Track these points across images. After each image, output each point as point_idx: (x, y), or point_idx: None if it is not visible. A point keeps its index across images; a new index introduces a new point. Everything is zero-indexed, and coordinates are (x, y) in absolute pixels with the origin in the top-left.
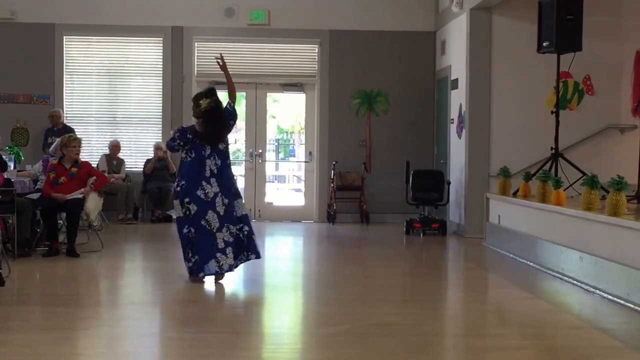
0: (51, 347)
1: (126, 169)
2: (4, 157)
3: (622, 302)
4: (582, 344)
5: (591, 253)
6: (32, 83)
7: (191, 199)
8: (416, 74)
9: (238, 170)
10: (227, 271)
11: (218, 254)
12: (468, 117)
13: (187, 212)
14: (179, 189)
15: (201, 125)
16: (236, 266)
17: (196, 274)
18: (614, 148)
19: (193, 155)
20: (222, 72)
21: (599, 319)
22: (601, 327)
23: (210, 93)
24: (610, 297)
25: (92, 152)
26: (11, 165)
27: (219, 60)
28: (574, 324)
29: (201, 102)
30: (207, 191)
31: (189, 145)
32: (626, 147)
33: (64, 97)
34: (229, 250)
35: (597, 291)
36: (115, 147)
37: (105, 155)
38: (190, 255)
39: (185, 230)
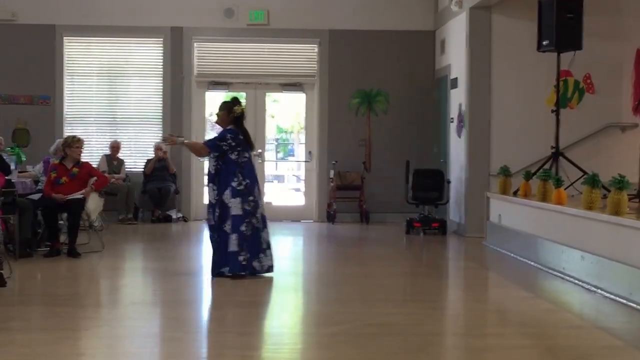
0: (52, 347)
1: (126, 169)
2: (5, 157)
3: (624, 301)
4: (583, 344)
5: (592, 252)
6: (33, 84)
7: (255, 197)
8: (416, 74)
9: None
10: (265, 272)
11: (261, 254)
12: (468, 116)
13: (248, 208)
14: (242, 187)
15: (238, 129)
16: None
17: (244, 271)
18: (615, 147)
19: (247, 155)
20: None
21: (601, 318)
22: (602, 326)
23: (238, 101)
24: (611, 296)
25: (92, 153)
26: (12, 165)
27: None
28: (575, 324)
29: (235, 108)
30: (258, 191)
31: (241, 146)
32: (627, 145)
33: (65, 97)
34: (268, 251)
35: (599, 290)
36: (115, 147)
37: (106, 155)
38: (243, 251)
39: (243, 228)
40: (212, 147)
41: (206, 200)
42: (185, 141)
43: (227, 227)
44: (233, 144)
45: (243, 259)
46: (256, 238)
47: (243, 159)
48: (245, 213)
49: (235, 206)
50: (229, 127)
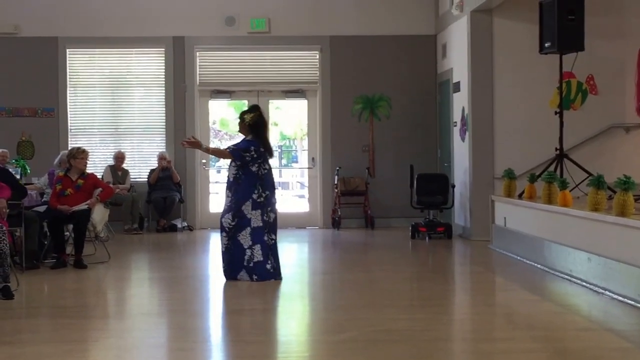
0: (61, 359)
1: (131, 179)
2: (10, 169)
3: (632, 302)
4: (592, 346)
5: (599, 254)
6: (37, 96)
7: (272, 208)
8: (418, 78)
9: None
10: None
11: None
12: (471, 120)
13: (268, 219)
14: (261, 199)
15: (256, 138)
16: None
17: (272, 277)
18: (620, 147)
19: (267, 167)
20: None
21: (609, 320)
22: (611, 328)
23: (253, 108)
24: (619, 298)
25: (96, 164)
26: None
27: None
28: (583, 326)
29: (246, 116)
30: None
31: (262, 158)
32: (632, 146)
33: (68, 109)
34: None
35: (606, 292)
36: (119, 157)
37: (110, 166)
38: (269, 259)
39: (265, 238)
40: (236, 157)
41: (212, 209)
42: (211, 147)
43: (243, 238)
44: (255, 155)
45: (270, 267)
46: (276, 246)
47: (263, 171)
48: (265, 224)
49: (255, 218)
50: (251, 139)
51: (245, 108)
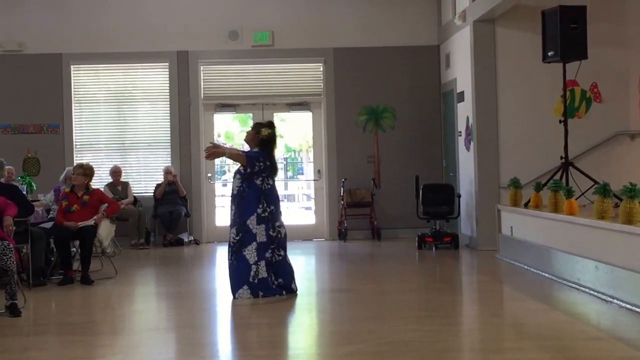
0: None
1: (135, 194)
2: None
3: None
4: (602, 355)
5: (607, 262)
6: (42, 113)
7: (281, 223)
8: (422, 88)
9: None
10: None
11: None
12: (476, 129)
13: (278, 235)
14: (266, 214)
15: (264, 152)
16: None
17: (277, 294)
18: (625, 155)
19: (271, 182)
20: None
21: (618, 328)
22: (621, 337)
23: (271, 124)
24: (628, 306)
25: (102, 179)
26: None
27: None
28: (593, 335)
29: (262, 130)
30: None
31: (266, 172)
32: (637, 153)
33: (73, 125)
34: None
35: (615, 300)
36: (115, 172)
37: (108, 184)
38: (273, 278)
39: (268, 254)
40: (249, 163)
41: (218, 223)
42: (228, 152)
43: (249, 253)
44: (262, 167)
45: (276, 284)
46: (288, 262)
47: (267, 186)
48: (270, 239)
49: (260, 233)
50: (260, 150)
51: (262, 121)
